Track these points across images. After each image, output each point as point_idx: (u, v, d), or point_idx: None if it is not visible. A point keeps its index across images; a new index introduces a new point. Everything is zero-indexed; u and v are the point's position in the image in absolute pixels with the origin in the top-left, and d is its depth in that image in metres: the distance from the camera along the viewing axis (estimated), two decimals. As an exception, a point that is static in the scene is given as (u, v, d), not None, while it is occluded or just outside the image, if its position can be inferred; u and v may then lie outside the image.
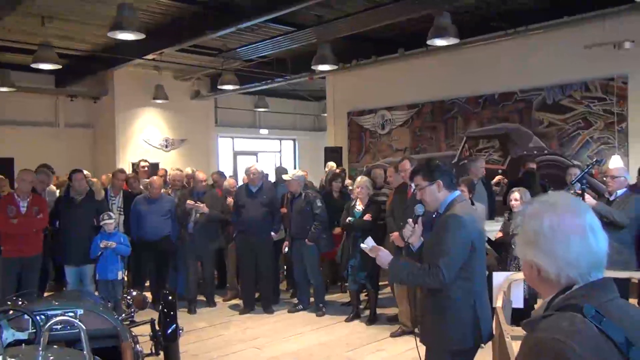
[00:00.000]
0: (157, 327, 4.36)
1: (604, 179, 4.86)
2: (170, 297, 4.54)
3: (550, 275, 1.32)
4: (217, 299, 7.32)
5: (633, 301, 5.60)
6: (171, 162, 11.80)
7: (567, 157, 8.39)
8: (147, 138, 12.52)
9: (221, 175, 8.09)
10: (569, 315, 1.23)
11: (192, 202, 6.45)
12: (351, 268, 6.07)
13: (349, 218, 6.08)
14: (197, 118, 13.33)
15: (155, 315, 4.56)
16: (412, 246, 3.02)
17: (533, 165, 7.92)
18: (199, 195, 6.61)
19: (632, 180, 6.07)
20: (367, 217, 5.97)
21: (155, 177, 7.02)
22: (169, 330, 4.22)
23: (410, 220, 2.99)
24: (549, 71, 8.54)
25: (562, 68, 8.38)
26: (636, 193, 5.04)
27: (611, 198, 4.83)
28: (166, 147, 12.82)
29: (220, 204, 6.68)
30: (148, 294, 6.68)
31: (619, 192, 4.78)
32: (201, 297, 7.02)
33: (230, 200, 7.00)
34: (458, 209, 2.74)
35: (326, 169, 8.79)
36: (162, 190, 6.94)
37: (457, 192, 2.88)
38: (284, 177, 6.93)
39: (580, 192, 4.63)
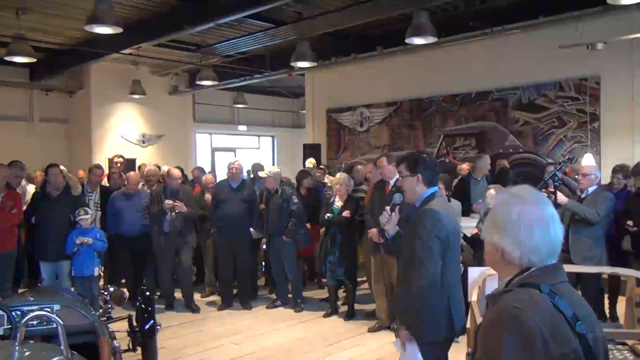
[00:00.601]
0: (134, 323, 4.33)
1: (576, 177, 4.97)
2: (148, 293, 4.51)
3: (513, 258, 1.48)
4: (195, 295, 7.29)
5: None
6: (148, 158, 11.70)
7: (541, 155, 8.56)
8: (124, 133, 12.38)
9: (201, 171, 8.04)
10: (527, 290, 1.40)
11: (171, 202, 6.23)
12: (329, 264, 6.11)
13: (328, 214, 6.11)
14: (175, 114, 13.23)
15: (132, 311, 4.54)
16: (387, 233, 3.08)
17: (506, 164, 8.07)
18: (173, 193, 6.39)
19: (606, 179, 6.24)
20: (345, 213, 6.01)
21: (132, 173, 6.95)
22: (147, 326, 4.19)
23: (387, 207, 3.04)
24: (524, 71, 8.69)
25: (537, 68, 8.54)
26: (607, 191, 5.16)
27: (582, 195, 4.93)
28: (143, 142, 12.69)
29: (191, 200, 6.47)
30: (126, 290, 6.62)
31: (590, 189, 4.89)
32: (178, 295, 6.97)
33: (208, 196, 6.96)
34: (434, 204, 2.79)
35: (309, 165, 8.81)
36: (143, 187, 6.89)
37: (436, 188, 2.91)
38: (260, 173, 6.93)
39: (553, 189, 4.73)
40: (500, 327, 1.35)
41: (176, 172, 6.61)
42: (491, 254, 1.54)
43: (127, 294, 4.59)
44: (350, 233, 6.15)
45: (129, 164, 10.06)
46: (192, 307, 6.54)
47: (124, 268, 6.85)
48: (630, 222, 5.02)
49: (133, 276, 6.77)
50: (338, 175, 6.48)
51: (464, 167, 7.93)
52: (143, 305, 4.36)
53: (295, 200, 6.46)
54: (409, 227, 2.91)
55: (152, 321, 4.24)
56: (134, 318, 4.38)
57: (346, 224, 6.03)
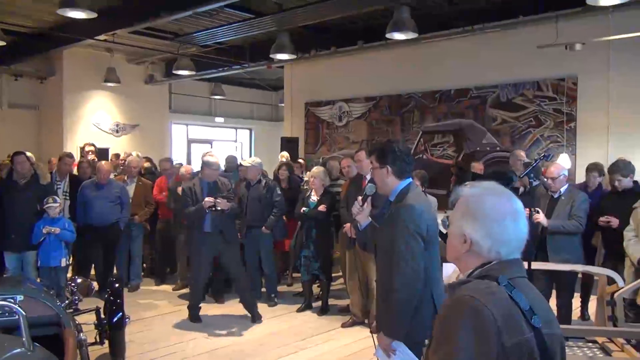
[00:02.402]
0: (102, 316, 4.27)
1: (545, 179, 5.00)
2: (117, 285, 4.45)
3: (482, 250, 1.49)
4: (166, 287, 7.22)
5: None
6: (122, 148, 11.54)
7: (517, 154, 8.64)
8: (97, 122, 12.22)
9: (170, 162, 7.90)
10: (486, 281, 1.43)
11: (212, 199, 5.50)
12: (304, 258, 6.10)
13: (304, 208, 6.09)
14: (150, 103, 13.08)
15: (101, 303, 4.47)
16: (359, 224, 3.03)
17: (480, 167, 7.96)
18: (210, 186, 5.71)
19: (581, 178, 6.32)
20: (321, 207, 5.99)
21: (103, 162, 6.84)
22: (115, 319, 4.14)
23: (359, 197, 3.00)
24: (503, 69, 8.78)
25: (516, 67, 8.64)
26: (581, 191, 5.21)
27: (555, 196, 4.97)
28: (117, 132, 12.55)
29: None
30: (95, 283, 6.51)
31: (562, 189, 4.93)
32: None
33: (180, 189, 6.87)
34: (411, 198, 2.69)
35: (281, 159, 8.77)
36: (119, 177, 6.79)
37: (409, 180, 2.80)
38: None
39: (531, 212, 4.68)
40: (456, 315, 1.38)
41: (216, 161, 5.78)
42: (457, 246, 1.55)
43: (95, 285, 4.51)
44: (325, 227, 6.14)
45: (102, 153, 9.90)
46: (257, 318, 5.87)
47: (93, 259, 6.74)
48: (607, 218, 5.07)
49: (102, 267, 6.66)
50: (314, 169, 6.46)
51: (477, 165, 7.80)
52: (112, 297, 4.30)
53: (279, 192, 6.44)
54: (384, 223, 2.82)
55: (120, 313, 4.19)
56: (101, 310, 4.32)
57: (322, 219, 6.01)
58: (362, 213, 2.96)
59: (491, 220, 1.48)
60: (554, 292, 5.00)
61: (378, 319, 2.82)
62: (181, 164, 8.41)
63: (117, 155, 8.95)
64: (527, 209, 4.66)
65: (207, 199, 5.55)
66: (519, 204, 1.52)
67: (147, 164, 8.59)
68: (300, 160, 9.31)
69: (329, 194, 6.16)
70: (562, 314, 4.91)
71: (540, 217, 4.71)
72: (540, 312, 1.41)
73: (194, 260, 5.91)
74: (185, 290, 7.00)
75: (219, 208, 5.52)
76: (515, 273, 1.47)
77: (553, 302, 5.05)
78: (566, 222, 4.75)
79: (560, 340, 1.48)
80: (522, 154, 7.00)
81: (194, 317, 5.85)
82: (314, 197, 6.12)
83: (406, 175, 2.80)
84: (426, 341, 1.77)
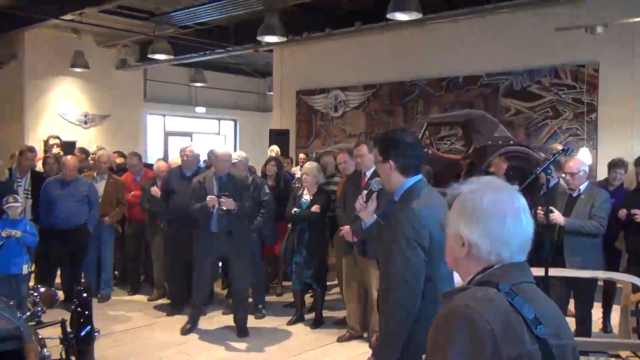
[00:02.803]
0: (68, 329, 4.23)
1: (562, 175, 5.01)
2: (85, 295, 4.41)
3: (481, 252, 1.49)
4: (140, 298, 7.20)
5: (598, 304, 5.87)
6: (91, 141, 11.52)
7: (533, 148, 8.67)
8: (63, 112, 12.18)
9: (137, 157, 7.80)
10: (484, 288, 1.43)
11: (214, 198, 5.52)
12: (295, 265, 6.08)
13: (295, 209, 6.07)
14: (122, 91, 13.05)
15: (67, 315, 4.43)
16: (363, 223, 2.98)
17: (504, 165, 7.82)
18: (222, 180, 5.74)
19: (602, 175, 6.34)
20: (314, 208, 5.98)
21: (69, 157, 6.79)
22: (83, 333, 4.10)
23: (364, 192, 2.96)
24: (517, 54, 8.81)
25: (531, 52, 8.67)
26: (602, 189, 5.23)
27: (574, 194, 4.99)
28: (85, 123, 12.53)
29: (243, 192, 5.86)
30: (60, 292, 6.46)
31: (582, 187, 4.95)
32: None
33: (154, 189, 6.85)
34: (416, 201, 2.56)
35: (271, 154, 8.76)
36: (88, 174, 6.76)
37: (417, 177, 2.66)
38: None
39: (545, 212, 4.70)
40: (450, 326, 1.39)
41: (226, 151, 5.82)
42: (454, 249, 1.55)
43: (60, 295, 4.48)
44: (319, 230, 6.13)
45: (68, 147, 9.84)
46: (243, 333, 5.82)
47: (58, 266, 6.70)
48: (634, 211, 5.09)
49: (68, 275, 6.62)
50: (307, 164, 6.44)
51: (499, 162, 7.71)
52: (79, 309, 4.26)
53: (267, 190, 6.42)
54: (386, 229, 2.76)
55: (89, 327, 4.15)
56: (68, 323, 4.28)
57: (315, 220, 6.00)
58: (366, 210, 2.93)
59: (490, 218, 1.48)
60: (571, 302, 5.03)
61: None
62: (164, 160, 8.32)
63: (82, 150, 8.88)
64: (540, 209, 4.70)
65: (209, 197, 5.54)
66: (521, 200, 1.52)
67: (120, 160, 8.53)
68: (301, 155, 9.24)
69: (324, 193, 6.14)
70: (581, 326, 4.93)
71: (557, 216, 4.72)
72: (547, 320, 1.42)
73: (196, 262, 5.91)
74: (162, 301, 6.98)
75: (223, 208, 5.51)
76: (519, 278, 1.47)
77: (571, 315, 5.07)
78: (586, 222, 4.77)
79: (573, 352, 1.48)
80: (559, 148, 6.89)
81: (187, 330, 5.84)
82: (307, 197, 6.11)
83: (413, 172, 2.66)
84: (423, 356, 1.77)
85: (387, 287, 2.56)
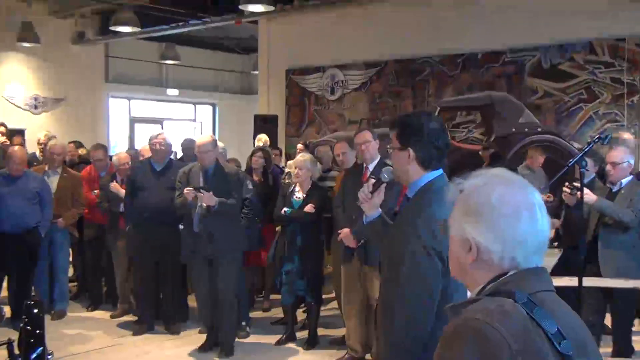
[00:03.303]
0: (16, 351, 4.21)
1: (603, 165, 5.05)
2: (36, 310, 4.38)
3: (492, 256, 1.49)
4: (102, 314, 7.17)
5: None
6: (42, 128, 11.40)
7: (564, 137, 8.69)
8: (10, 95, 12.19)
9: (103, 149, 7.76)
10: (497, 299, 1.42)
11: (191, 189, 5.57)
12: (286, 275, 6.06)
13: (285, 209, 6.06)
14: (80, 70, 13.06)
15: (14, 334, 4.40)
16: (365, 216, 2.96)
17: (540, 158, 7.65)
18: (208, 174, 5.84)
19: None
20: (308, 207, 5.97)
21: (16, 148, 6.77)
22: (34, 355, 4.07)
23: (371, 180, 2.94)
24: (545, 26, 8.79)
25: (562, 23, 8.65)
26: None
27: (614, 189, 5.01)
28: (35, 108, 12.54)
29: (231, 187, 5.92)
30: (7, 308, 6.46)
31: (623, 181, 4.96)
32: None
33: (114, 185, 6.83)
34: (436, 200, 2.51)
35: (258, 144, 8.75)
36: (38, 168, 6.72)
37: (438, 172, 2.66)
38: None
39: (578, 181, 4.75)
40: (458, 342, 1.38)
41: (207, 140, 5.83)
42: (459, 254, 1.55)
43: (6, 310, 4.45)
44: (314, 234, 6.12)
45: (15, 135, 9.80)
46: (229, 352, 5.88)
47: (4, 276, 6.67)
48: None
49: (16, 287, 6.60)
50: (299, 156, 6.43)
51: (535, 154, 7.52)
52: (29, 327, 4.23)
53: (250, 187, 6.41)
54: (396, 225, 2.77)
55: (40, 348, 4.12)
56: (15, 344, 4.26)
57: (309, 222, 5.99)
58: (369, 202, 2.91)
59: (500, 216, 1.47)
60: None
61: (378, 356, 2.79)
62: (136, 151, 8.26)
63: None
64: (567, 185, 4.76)
65: (186, 189, 5.62)
66: (535, 194, 1.52)
67: (82, 151, 8.51)
68: (299, 146, 9.16)
69: (319, 190, 6.13)
70: (619, 345, 4.95)
71: (585, 194, 4.69)
72: (571, 335, 1.41)
73: (191, 269, 6.18)
74: (128, 318, 6.96)
75: (203, 204, 5.57)
76: (537, 286, 1.47)
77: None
78: (618, 207, 4.78)
79: None
80: (630, 137, 6.82)
81: (207, 347, 5.97)
82: (299, 194, 6.10)
83: (435, 165, 2.65)
84: None
85: (394, 303, 2.54)
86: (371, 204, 2.91)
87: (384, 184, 2.91)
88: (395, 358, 2.54)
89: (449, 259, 1.64)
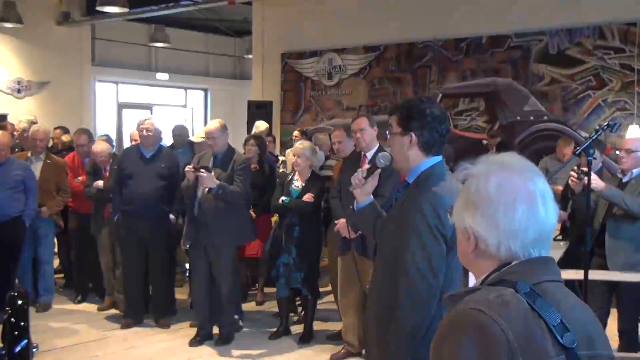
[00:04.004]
0: (0, 344, 4.24)
1: (617, 152, 5.06)
2: (20, 302, 4.41)
3: (489, 247, 1.51)
4: (88, 307, 7.22)
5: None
6: (25, 113, 11.37)
7: (571, 125, 8.70)
8: (-9, 79, 12.14)
9: (87, 135, 7.75)
10: (498, 288, 1.44)
11: (191, 167, 5.71)
12: (283, 267, 6.07)
13: (283, 198, 6.07)
14: (65, 53, 13.01)
15: (-3, 327, 4.43)
16: (355, 202, 3.03)
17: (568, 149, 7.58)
18: (216, 159, 6.01)
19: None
20: (307, 197, 5.97)
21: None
22: (18, 348, 4.11)
23: (365, 166, 2.98)
24: (552, 10, 8.79)
25: (570, 6, 8.64)
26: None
27: (624, 179, 5.02)
28: (18, 92, 12.50)
29: (237, 173, 6.02)
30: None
31: (635, 171, 4.98)
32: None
33: (98, 183, 6.84)
34: (438, 187, 2.62)
35: (258, 130, 8.77)
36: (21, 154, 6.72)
37: (438, 159, 2.78)
38: (193, 138, 6.90)
39: (585, 169, 4.78)
40: (456, 334, 1.40)
41: (215, 127, 6.00)
42: (464, 245, 1.57)
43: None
44: (313, 225, 6.11)
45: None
46: (228, 339, 6.10)
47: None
48: None
49: (-1, 279, 6.61)
50: (297, 144, 6.44)
51: (563, 144, 7.44)
52: (12, 319, 4.26)
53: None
54: (394, 212, 2.84)
55: (25, 341, 4.16)
56: (-2, 336, 4.29)
57: (308, 212, 5.99)
58: (362, 188, 2.95)
59: (496, 205, 1.48)
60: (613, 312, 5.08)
61: (370, 344, 2.86)
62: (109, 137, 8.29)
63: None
64: (574, 170, 4.82)
65: (187, 167, 5.75)
66: (539, 182, 1.52)
67: (65, 137, 8.49)
68: (295, 133, 9.16)
69: (318, 179, 6.14)
70: (626, 340, 4.99)
71: (594, 180, 4.67)
72: (577, 327, 1.42)
73: (190, 255, 6.30)
74: (115, 311, 6.99)
75: (204, 186, 5.65)
76: (542, 276, 1.48)
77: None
78: (626, 196, 4.80)
79: None
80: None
81: (198, 339, 6.05)
82: (298, 183, 6.11)
83: (436, 151, 2.77)
84: None
85: (399, 282, 2.60)
86: (363, 190, 2.96)
87: (379, 170, 2.96)
88: (402, 342, 2.59)
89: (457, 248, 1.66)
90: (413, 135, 2.71)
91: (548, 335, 1.38)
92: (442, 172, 2.72)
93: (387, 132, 2.86)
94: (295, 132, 9.23)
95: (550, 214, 1.51)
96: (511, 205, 1.48)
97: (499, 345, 1.34)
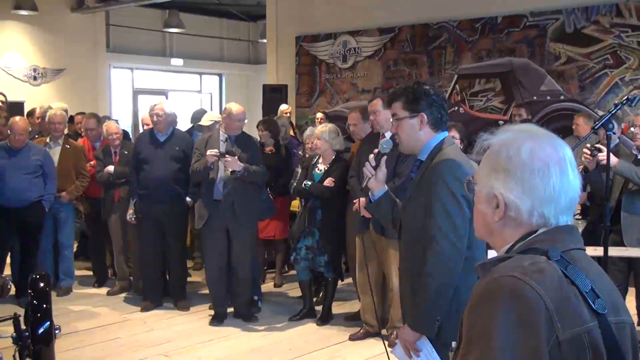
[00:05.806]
0: (23, 326, 4.27)
1: (632, 129, 5.03)
2: (42, 285, 4.44)
3: (521, 212, 1.50)
4: (101, 291, 7.26)
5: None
6: (42, 101, 11.44)
7: (588, 104, 8.63)
8: (7, 66, 12.22)
9: (95, 119, 7.77)
10: (531, 256, 1.43)
11: (215, 152, 5.81)
12: (306, 250, 6.07)
13: (306, 181, 6.05)
14: (80, 40, 13.04)
15: (20, 310, 4.47)
16: (371, 194, 3.09)
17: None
18: (232, 140, 6.11)
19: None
20: (327, 181, 5.95)
21: (17, 119, 6.78)
22: (41, 330, 4.14)
23: (371, 156, 3.03)
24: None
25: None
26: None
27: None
28: (35, 79, 12.56)
29: (255, 157, 6.21)
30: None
31: (653, 148, 4.95)
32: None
33: (109, 168, 6.87)
34: (451, 152, 2.81)
35: (281, 114, 8.78)
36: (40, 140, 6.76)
37: (445, 134, 2.94)
38: (203, 121, 7.02)
39: (594, 147, 4.73)
40: (491, 303, 1.38)
41: (239, 109, 6.10)
42: (486, 213, 1.56)
43: (11, 286, 4.51)
44: (336, 208, 6.09)
45: (15, 108, 9.84)
46: (249, 317, 6.28)
47: (8, 251, 6.77)
48: None
49: (21, 262, 6.67)
50: (319, 126, 6.45)
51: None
52: (35, 302, 4.30)
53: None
54: (415, 190, 2.92)
55: (47, 323, 4.19)
56: (22, 319, 4.32)
57: (328, 196, 5.98)
58: (376, 179, 3.00)
59: (530, 171, 1.48)
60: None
61: (404, 313, 2.98)
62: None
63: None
64: (587, 147, 4.82)
65: (209, 151, 5.82)
66: (566, 149, 1.53)
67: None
68: (318, 115, 9.16)
69: (342, 163, 6.11)
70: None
71: (606, 156, 4.65)
72: (604, 294, 1.43)
73: (203, 239, 6.34)
74: (125, 295, 7.04)
75: (228, 170, 5.78)
76: (569, 244, 1.49)
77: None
78: None
79: (632, 330, 1.50)
80: None
81: (215, 320, 6.18)
82: (321, 166, 6.10)
83: (443, 127, 2.93)
84: (453, 344, 1.78)
85: (425, 247, 2.73)
86: (377, 180, 3.04)
87: (384, 156, 3.00)
88: (430, 298, 2.71)
89: (474, 217, 1.66)
90: (424, 114, 2.86)
91: (581, 301, 1.39)
92: (450, 144, 2.90)
93: (392, 120, 2.95)
94: (319, 115, 9.21)
95: (577, 182, 1.52)
96: (546, 170, 1.48)
97: (539, 312, 1.33)
